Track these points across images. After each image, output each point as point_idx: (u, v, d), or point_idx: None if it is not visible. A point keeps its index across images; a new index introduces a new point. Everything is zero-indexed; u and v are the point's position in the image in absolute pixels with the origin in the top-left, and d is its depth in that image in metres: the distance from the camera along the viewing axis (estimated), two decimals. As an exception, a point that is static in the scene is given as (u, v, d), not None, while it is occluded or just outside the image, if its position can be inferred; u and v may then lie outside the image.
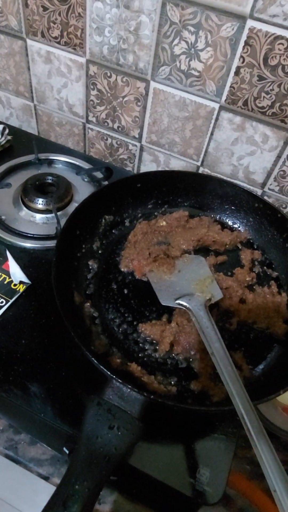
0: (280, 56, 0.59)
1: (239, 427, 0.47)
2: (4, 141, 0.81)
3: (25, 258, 0.62)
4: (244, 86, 0.64)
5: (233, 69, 0.63)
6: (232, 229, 0.65)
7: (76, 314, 0.50)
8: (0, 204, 0.70)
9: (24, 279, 0.58)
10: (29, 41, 0.78)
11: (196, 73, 0.66)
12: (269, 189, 0.76)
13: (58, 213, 0.67)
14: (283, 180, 0.73)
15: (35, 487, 0.66)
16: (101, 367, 0.40)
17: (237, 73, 0.63)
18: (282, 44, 0.58)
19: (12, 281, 0.58)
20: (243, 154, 0.73)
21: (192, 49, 0.64)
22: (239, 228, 0.65)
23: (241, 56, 0.61)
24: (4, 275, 0.59)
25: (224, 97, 0.67)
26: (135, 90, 0.74)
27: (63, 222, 0.55)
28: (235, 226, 0.65)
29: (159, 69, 0.69)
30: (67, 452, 0.50)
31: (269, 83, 0.62)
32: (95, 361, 0.41)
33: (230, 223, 0.66)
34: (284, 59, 0.59)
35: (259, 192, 0.77)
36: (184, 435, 0.47)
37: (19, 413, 0.53)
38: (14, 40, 0.79)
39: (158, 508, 0.53)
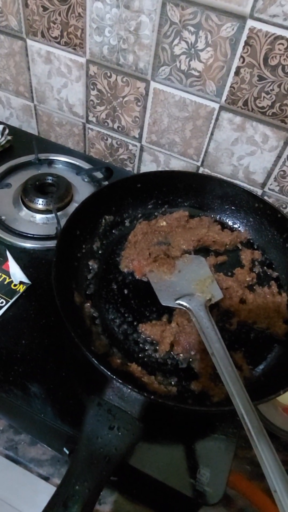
0: (280, 56, 0.59)
1: (239, 428, 0.47)
2: (4, 141, 0.80)
3: (25, 258, 0.62)
4: (244, 86, 0.64)
5: (233, 69, 0.63)
6: (232, 229, 0.65)
7: (76, 314, 0.50)
8: (0, 204, 0.70)
9: (24, 279, 0.58)
10: (29, 41, 0.78)
11: (196, 73, 0.66)
12: (269, 189, 0.76)
13: (58, 213, 0.67)
14: (283, 180, 0.73)
15: (35, 488, 0.65)
16: (102, 367, 0.40)
17: (237, 73, 0.63)
18: (282, 44, 0.58)
19: (12, 282, 0.58)
20: (243, 154, 0.73)
21: (192, 49, 0.64)
22: (239, 228, 0.65)
23: (241, 56, 0.61)
24: (4, 275, 0.59)
25: (224, 97, 0.67)
26: (135, 90, 0.74)
27: (63, 222, 0.55)
28: (235, 226, 0.65)
29: (159, 69, 0.69)
30: (67, 452, 0.50)
31: (269, 83, 0.62)
32: (95, 362, 0.41)
33: (230, 223, 0.66)
34: (284, 59, 0.59)
35: (259, 192, 0.77)
36: (184, 436, 0.47)
37: (19, 414, 0.53)
38: (14, 40, 0.79)
39: (158, 509, 0.53)
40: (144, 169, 0.87)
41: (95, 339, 0.49)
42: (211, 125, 0.72)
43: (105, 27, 0.68)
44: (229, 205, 0.65)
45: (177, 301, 0.52)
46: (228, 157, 0.75)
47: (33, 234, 0.65)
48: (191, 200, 0.67)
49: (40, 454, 0.56)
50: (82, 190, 0.75)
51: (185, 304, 0.51)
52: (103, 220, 0.61)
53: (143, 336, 0.51)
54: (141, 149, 0.83)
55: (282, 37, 0.57)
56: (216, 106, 0.69)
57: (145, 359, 0.49)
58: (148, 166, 0.86)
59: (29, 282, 0.58)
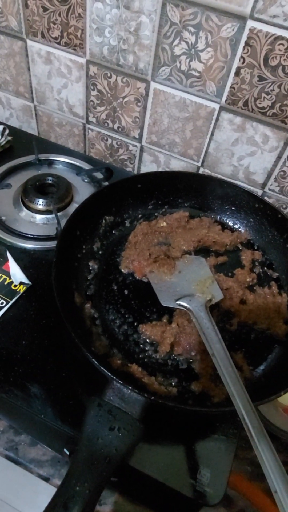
0: (280, 57, 0.59)
1: (239, 428, 0.47)
2: (4, 142, 0.80)
3: (25, 259, 0.62)
4: (245, 86, 0.64)
5: (234, 70, 0.63)
6: (232, 230, 0.65)
7: (77, 315, 0.50)
8: (0, 204, 0.70)
9: (24, 280, 0.58)
10: (29, 42, 0.78)
11: (197, 74, 0.66)
12: (269, 189, 0.76)
13: (58, 214, 0.67)
14: (283, 181, 0.73)
15: (35, 488, 0.65)
16: (102, 368, 0.40)
17: (237, 73, 0.63)
18: (283, 44, 0.58)
19: (12, 282, 0.58)
20: (244, 154, 0.73)
21: (192, 50, 0.64)
22: (240, 229, 0.65)
23: (242, 57, 0.61)
24: (4, 276, 0.59)
25: (224, 98, 0.67)
26: (135, 90, 0.74)
27: (63, 222, 0.55)
28: (236, 226, 0.65)
29: (159, 69, 0.69)
30: (67, 453, 0.50)
31: (270, 84, 0.62)
32: (96, 362, 0.41)
33: (230, 223, 0.66)
34: (285, 59, 0.59)
35: (259, 192, 0.77)
36: (184, 436, 0.47)
37: (20, 414, 0.52)
38: (14, 40, 0.79)
39: (158, 509, 0.53)
40: (144, 169, 0.87)
41: (95, 339, 0.49)
42: (211, 126, 0.72)
43: (105, 28, 0.68)
44: (230, 206, 0.65)
45: (178, 302, 0.52)
46: (228, 157, 0.75)
47: (33, 235, 0.65)
48: (192, 200, 0.67)
49: (41, 455, 0.56)
50: (82, 191, 0.75)
51: (185, 304, 0.51)
52: (103, 221, 0.61)
53: (144, 337, 0.51)
54: (141, 149, 0.83)
55: (282, 38, 0.57)
56: (216, 106, 0.69)
57: (146, 360, 0.49)
58: (148, 166, 0.86)
59: (29, 283, 0.58)
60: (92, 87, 0.78)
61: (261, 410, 0.57)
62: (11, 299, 0.56)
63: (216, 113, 0.70)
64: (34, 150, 0.78)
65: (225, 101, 0.67)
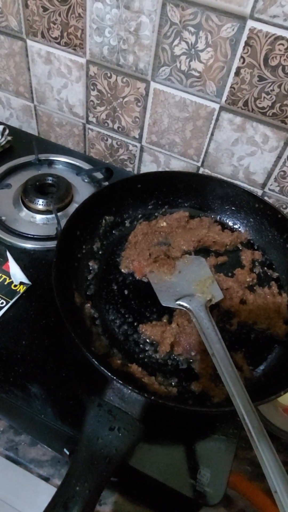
0: (280, 57, 0.59)
1: (239, 428, 0.47)
2: (4, 142, 0.80)
3: (25, 259, 0.62)
4: (245, 86, 0.64)
5: (234, 70, 0.63)
6: (232, 230, 0.65)
7: (77, 315, 0.50)
8: (0, 205, 0.70)
9: (24, 280, 0.58)
10: (29, 42, 0.78)
11: (197, 74, 0.66)
12: (269, 189, 0.76)
13: (58, 214, 0.67)
14: (283, 181, 0.73)
15: (35, 488, 0.65)
16: (102, 368, 0.40)
17: (237, 73, 0.63)
18: (283, 44, 0.58)
19: (12, 282, 0.58)
20: (244, 154, 0.73)
21: (192, 50, 0.64)
22: (240, 229, 0.65)
23: (242, 57, 0.61)
24: (4, 276, 0.59)
25: (224, 98, 0.67)
26: (135, 90, 0.74)
27: (63, 222, 0.55)
28: (236, 226, 0.65)
29: (159, 69, 0.69)
30: (67, 453, 0.50)
31: (270, 84, 0.62)
32: (96, 362, 0.41)
33: (230, 223, 0.66)
34: (285, 59, 0.59)
35: (259, 192, 0.77)
36: (184, 436, 0.47)
37: (20, 414, 0.52)
38: (14, 40, 0.79)
39: (158, 509, 0.53)
40: (144, 169, 0.87)
41: (95, 339, 0.49)
42: (211, 126, 0.72)
43: (105, 28, 0.68)
44: (230, 206, 0.65)
45: (178, 302, 0.52)
46: (228, 157, 0.75)
47: (33, 235, 0.65)
48: (191, 200, 0.67)
49: (41, 455, 0.56)
50: (82, 191, 0.75)
51: (185, 304, 0.51)
52: (103, 221, 0.61)
53: (144, 337, 0.51)
54: (141, 149, 0.83)
55: (282, 38, 0.57)
56: (216, 106, 0.69)
57: (146, 360, 0.49)
58: (148, 166, 0.86)
59: (29, 283, 0.58)
60: (92, 87, 0.78)
61: (261, 410, 0.57)
62: (11, 299, 0.56)
63: (216, 113, 0.70)
64: (34, 150, 0.78)
65: (225, 101, 0.67)
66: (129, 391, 0.40)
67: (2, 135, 0.81)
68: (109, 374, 0.40)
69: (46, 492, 0.45)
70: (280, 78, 0.61)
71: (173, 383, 0.47)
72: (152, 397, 0.40)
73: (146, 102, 0.74)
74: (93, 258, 0.58)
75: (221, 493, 0.43)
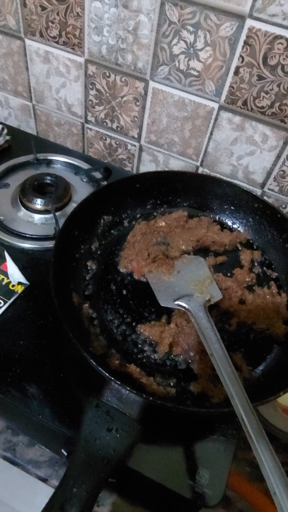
0: (279, 56, 0.59)
1: (239, 429, 0.47)
2: (3, 141, 0.80)
3: (23, 259, 0.62)
4: (244, 85, 0.64)
5: (232, 69, 0.63)
6: (231, 230, 0.64)
7: (75, 315, 0.50)
8: (-1, 204, 0.70)
9: (23, 280, 0.58)
10: (27, 41, 0.77)
11: (195, 73, 0.66)
12: (268, 189, 0.76)
13: (57, 214, 0.66)
14: (282, 180, 0.73)
15: (34, 489, 0.65)
16: (100, 368, 0.40)
17: (236, 72, 0.63)
18: (282, 43, 0.57)
19: (10, 282, 0.58)
20: (243, 154, 0.73)
21: (191, 49, 0.64)
22: (239, 229, 0.65)
23: (241, 56, 0.61)
24: (2, 276, 0.58)
25: (223, 97, 0.67)
26: (134, 90, 0.73)
27: (61, 222, 0.55)
28: (235, 226, 0.65)
29: (158, 68, 0.69)
30: (65, 454, 0.49)
31: (269, 83, 0.62)
32: (94, 363, 0.40)
33: (229, 223, 0.65)
34: (284, 58, 0.58)
35: (258, 192, 0.77)
36: (183, 437, 0.47)
37: (17, 415, 0.52)
38: (12, 39, 0.79)
39: (157, 511, 0.53)
40: (143, 169, 0.87)
41: (93, 340, 0.49)
42: (210, 125, 0.72)
43: (103, 27, 0.68)
44: (229, 205, 0.65)
45: (176, 302, 0.51)
46: (228, 157, 0.75)
47: (32, 235, 0.65)
48: (190, 200, 0.67)
49: (38, 456, 0.56)
50: (81, 190, 0.75)
51: (184, 304, 0.51)
52: (102, 220, 0.61)
53: (142, 337, 0.50)
54: (140, 149, 0.83)
55: (281, 37, 0.57)
56: (215, 105, 0.68)
57: (144, 360, 0.49)
58: (147, 166, 0.86)
59: (27, 283, 0.58)
60: (90, 87, 0.77)
61: (261, 411, 0.57)
62: (9, 299, 0.56)
63: (215, 112, 0.69)
64: (33, 150, 0.78)
65: (224, 100, 0.67)
66: (127, 391, 0.40)
67: (1, 134, 0.80)
68: (107, 374, 0.40)
69: (45, 493, 0.45)
70: (279, 77, 0.61)
71: (171, 384, 0.47)
72: (151, 398, 0.39)
73: (145, 102, 0.74)
74: (92, 258, 0.58)
75: (220, 494, 0.43)
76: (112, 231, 0.62)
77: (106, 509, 0.53)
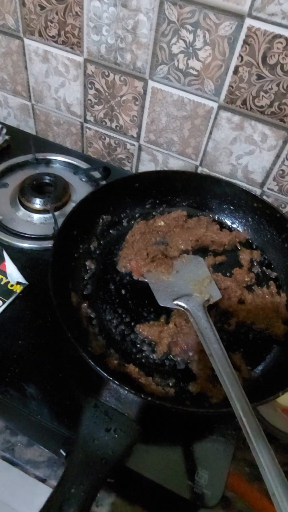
0: (279, 55, 0.58)
1: (238, 429, 0.47)
2: (2, 141, 0.80)
3: (22, 259, 0.61)
4: (243, 85, 0.64)
5: (232, 68, 0.63)
6: (231, 229, 0.64)
7: (73, 315, 0.50)
8: (-3, 204, 0.70)
9: (21, 279, 0.58)
10: (26, 40, 0.77)
11: (194, 72, 0.66)
12: (268, 188, 0.76)
13: (56, 213, 0.66)
14: (282, 180, 0.73)
15: (33, 489, 0.65)
16: (98, 368, 0.40)
17: (235, 72, 0.63)
18: (281, 42, 0.57)
19: (9, 282, 0.58)
20: (242, 153, 0.73)
21: (190, 48, 0.63)
22: (238, 228, 0.64)
23: (240, 55, 0.61)
24: (1, 276, 0.58)
25: (222, 96, 0.67)
26: (133, 89, 0.73)
27: (60, 222, 0.55)
28: (234, 226, 0.65)
29: (157, 68, 0.68)
30: (64, 454, 0.49)
31: (268, 82, 0.62)
32: (92, 363, 0.40)
33: (229, 223, 0.65)
34: (283, 58, 0.58)
35: (258, 191, 0.77)
36: (182, 437, 0.47)
37: (16, 415, 0.52)
38: (11, 39, 0.79)
39: (156, 511, 0.53)
40: (142, 168, 0.87)
41: (92, 339, 0.49)
42: (210, 124, 0.71)
43: (102, 26, 0.68)
44: (228, 205, 0.65)
45: (175, 302, 0.51)
46: (227, 156, 0.75)
47: (31, 234, 0.65)
48: (190, 199, 0.67)
49: (37, 456, 0.56)
50: (80, 190, 0.75)
51: (183, 304, 0.51)
52: (101, 220, 0.61)
53: (141, 337, 0.50)
54: (139, 148, 0.83)
55: (280, 36, 0.57)
56: (215, 105, 0.68)
57: (143, 360, 0.48)
58: (146, 165, 0.85)
59: (26, 283, 0.58)
60: (89, 86, 0.77)
61: (260, 411, 0.57)
62: (8, 299, 0.56)
63: (214, 111, 0.69)
64: (32, 149, 0.78)
65: (224, 99, 0.67)
66: (126, 391, 0.39)
67: (0, 134, 0.80)
68: (105, 374, 0.39)
69: (45, 493, 0.44)
70: (279, 77, 0.60)
71: (170, 384, 0.47)
72: (149, 398, 0.39)
73: (144, 101, 0.74)
74: (90, 257, 0.58)
75: (219, 495, 0.42)
76: (111, 231, 0.62)
77: (105, 510, 0.53)
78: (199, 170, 0.80)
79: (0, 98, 0.91)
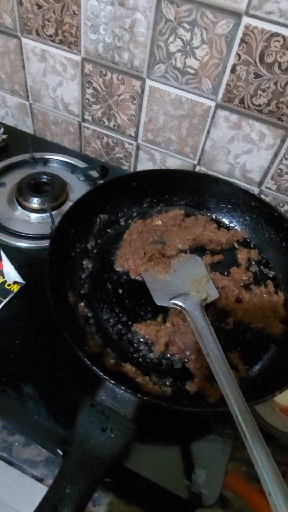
0: (276, 53, 0.58)
1: (235, 428, 0.46)
2: (-1, 140, 0.80)
3: (19, 258, 0.61)
4: (240, 83, 0.63)
5: (229, 67, 0.62)
6: (228, 228, 0.64)
7: (70, 314, 0.50)
8: (-5, 203, 0.69)
9: (18, 279, 0.58)
10: (23, 40, 0.77)
11: (192, 71, 0.66)
12: (266, 187, 0.75)
13: (53, 213, 0.66)
14: (280, 179, 0.73)
15: (31, 489, 0.65)
16: (94, 367, 0.40)
17: (233, 70, 0.63)
18: (278, 41, 0.57)
19: (6, 281, 0.58)
20: (240, 152, 0.73)
21: (188, 47, 0.63)
22: (236, 227, 0.64)
23: (237, 54, 0.61)
24: (-2, 275, 0.58)
25: (220, 95, 0.66)
26: (130, 88, 0.73)
27: (58, 221, 0.55)
28: (232, 225, 0.65)
29: (155, 67, 0.68)
30: (61, 453, 0.49)
31: (266, 81, 0.61)
32: (88, 362, 0.40)
33: (226, 222, 0.65)
34: (281, 56, 0.58)
35: (256, 190, 0.77)
36: (179, 437, 0.46)
37: (13, 414, 0.52)
38: (8, 38, 0.78)
39: (153, 510, 0.53)
40: (140, 167, 0.86)
41: (89, 339, 0.49)
42: (207, 123, 0.71)
43: (99, 25, 0.68)
44: (226, 204, 0.65)
45: (172, 301, 0.51)
46: (225, 155, 0.74)
47: (28, 234, 0.65)
48: (187, 198, 0.66)
49: (34, 455, 0.56)
50: (78, 189, 0.74)
51: (180, 303, 0.50)
52: (98, 219, 0.61)
53: (138, 336, 0.50)
54: (137, 147, 0.83)
55: (278, 34, 0.57)
56: (212, 104, 0.68)
57: (140, 360, 0.48)
58: (144, 164, 0.85)
59: (23, 282, 0.58)
60: (87, 85, 0.77)
61: (258, 410, 0.57)
62: (5, 298, 0.55)
63: (212, 110, 0.69)
64: (29, 149, 0.78)
65: (221, 98, 0.67)
66: (122, 391, 0.39)
67: (-3, 133, 0.80)
68: (102, 374, 0.39)
69: (42, 493, 0.44)
70: (276, 75, 0.60)
71: (167, 383, 0.47)
72: (146, 398, 0.39)
73: (142, 100, 0.74)
74: (87, 257, 0.58)
75: (216, 494, 0.42)
76: (108, 230, 0.62)
77: (102, 509, 0.53)
78: (197, 169, 0.80)
79: (-2, 98, 0.91)
